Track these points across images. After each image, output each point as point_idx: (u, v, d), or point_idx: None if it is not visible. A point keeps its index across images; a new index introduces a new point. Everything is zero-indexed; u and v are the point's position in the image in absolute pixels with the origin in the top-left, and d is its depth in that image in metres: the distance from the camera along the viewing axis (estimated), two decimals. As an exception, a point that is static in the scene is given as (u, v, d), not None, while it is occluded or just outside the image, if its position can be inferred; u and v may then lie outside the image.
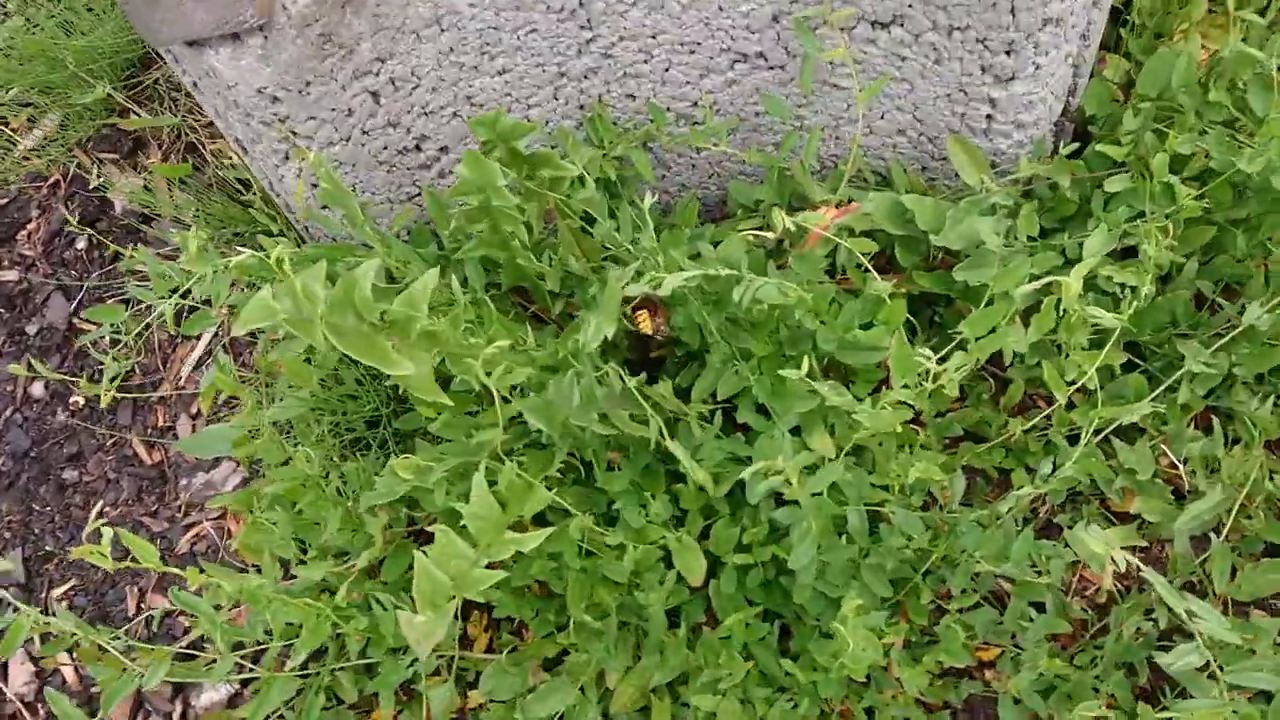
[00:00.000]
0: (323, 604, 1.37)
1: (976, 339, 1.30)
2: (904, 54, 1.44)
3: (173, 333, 1.98)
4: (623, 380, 1.19)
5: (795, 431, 1.39)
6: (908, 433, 1.42)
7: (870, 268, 1.45)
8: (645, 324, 1.31)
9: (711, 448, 1.33)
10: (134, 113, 2.06)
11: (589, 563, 1.35)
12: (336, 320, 1.09)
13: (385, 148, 1.52)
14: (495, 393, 1.17)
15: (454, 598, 1.14)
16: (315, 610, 1.36)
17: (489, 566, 1.15)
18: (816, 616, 1.37)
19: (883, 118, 1.57)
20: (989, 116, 1.49)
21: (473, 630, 1.57)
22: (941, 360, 1.28)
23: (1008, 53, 1.38)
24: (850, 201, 1.61)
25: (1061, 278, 1.26)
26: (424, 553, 1.19)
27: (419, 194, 1.60)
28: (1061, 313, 1.30)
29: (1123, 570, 1.33)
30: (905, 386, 1.28)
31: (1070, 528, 1.49)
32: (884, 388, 1.37)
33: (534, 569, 1.34)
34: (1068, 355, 1.29)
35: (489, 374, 1.16)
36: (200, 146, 2.05)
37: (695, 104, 1.59)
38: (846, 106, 1.56)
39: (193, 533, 1.85)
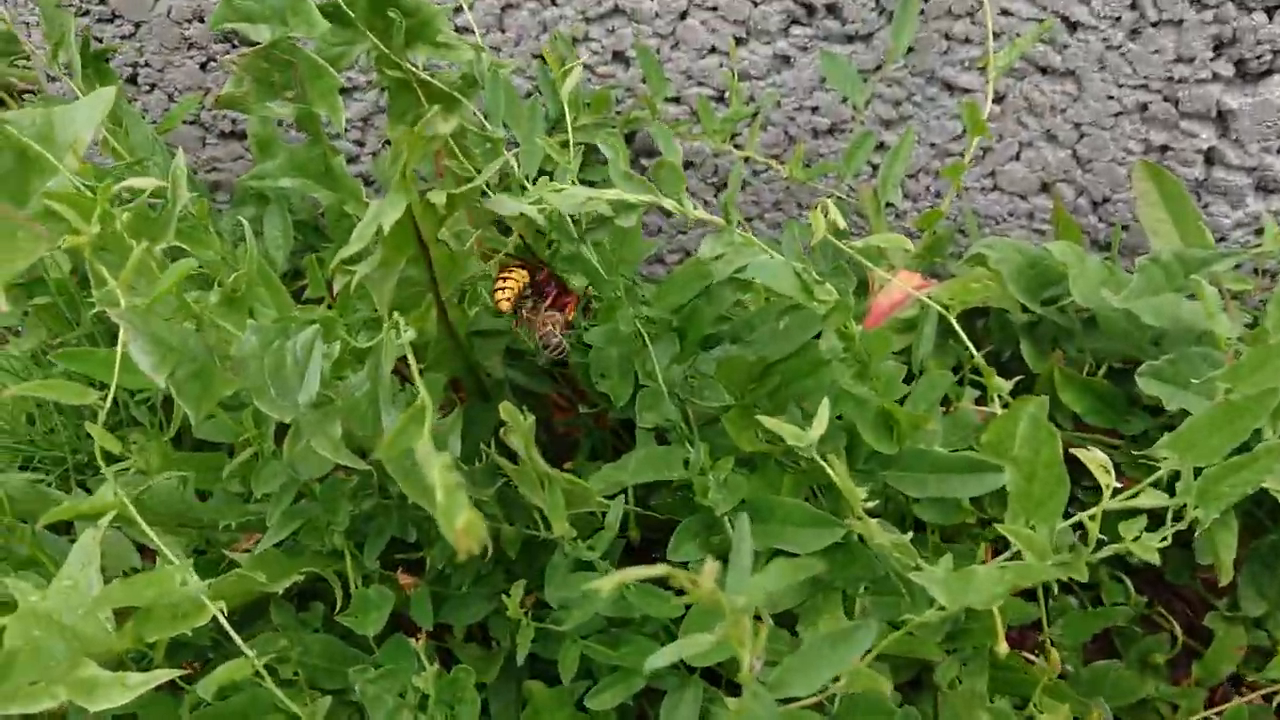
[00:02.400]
0: None
1: (1196, 473, 0.61)
2: (1075, 16, 0.85)
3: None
4: (407, 369, 0.52)
5: (785, 621, 0.68)
6: (1019, 665, 0.69)
7: (976, 355, 0.78)
8: (504, 297, 0.64)
9: (593, 600, 0.61)
10: None
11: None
12: None
13: (197, 15, 0.93)
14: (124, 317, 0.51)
15: None
16: None
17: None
18: None
19: (1018, 156, 0.95)
20: (1209, 155, 0.86)
21: None
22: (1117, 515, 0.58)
23: (1272, 11, 0.77)
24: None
25: None
26: None
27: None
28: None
29: None
30: (1031, 528, 0.58)
31: None
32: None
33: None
34: None
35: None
36: None
37: (722, 95, 1.00)
38: (963, 129, 0.96)
39: None
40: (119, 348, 0.54)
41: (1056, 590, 0.87)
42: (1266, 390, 0.58)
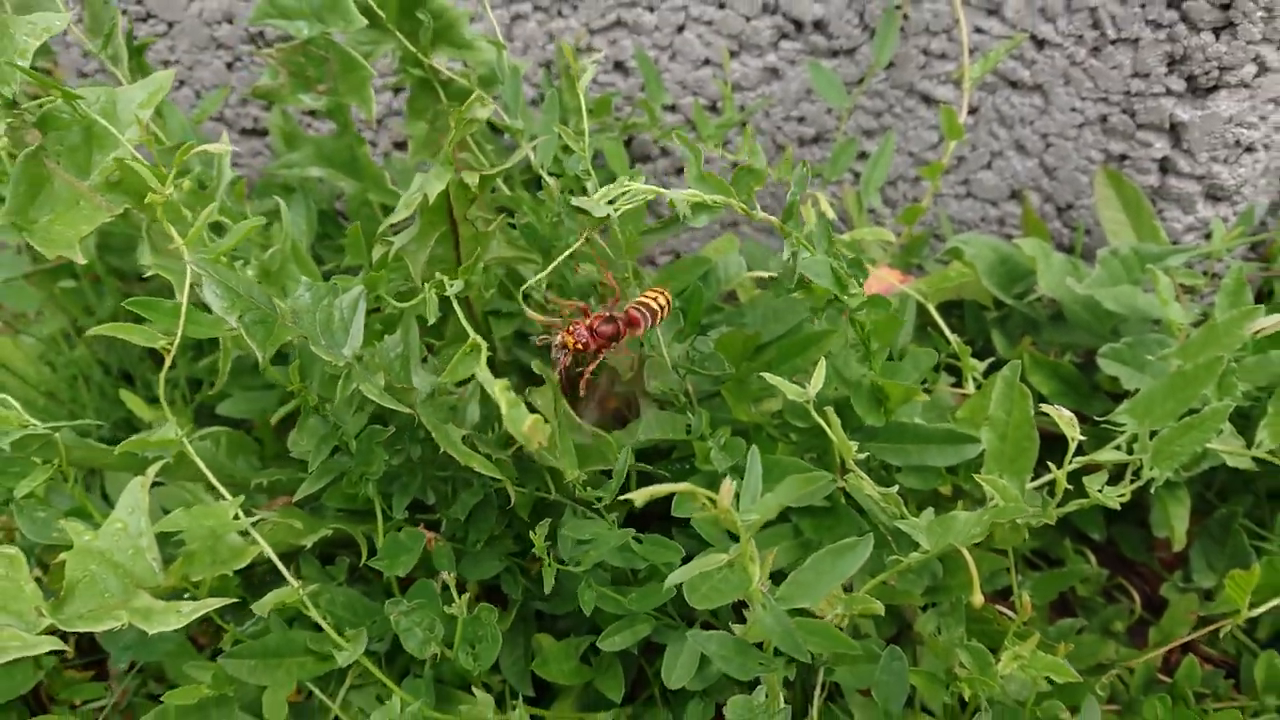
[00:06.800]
0: None
1: (1151, 435, 0.68)
2: (1041, 34, 0.92)
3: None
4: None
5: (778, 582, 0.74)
6: (993, 616, 0.75)
7: (954, 340, 0.85)
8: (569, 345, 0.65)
9: (605, 541, 0.67)
10: None
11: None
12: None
13: (227, 17, 0.99)
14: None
15: None
16: None
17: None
18: None
19: (990, 165, 1.03)
20: (1164, 163, 0.94)
21: None
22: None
23: (1219, 31, 0.85)
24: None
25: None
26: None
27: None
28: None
29: None
30: (1000, 479, 0.64)
31: None
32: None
33: None
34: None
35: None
36: None
37: (715, 105, 1.08)
38: (940, 138, 1.03)
39: None
40: (183, 299, 0.59)
41: (1026, 566, 0.94)
42: (1213, 359, 0.65)
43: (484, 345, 0.49)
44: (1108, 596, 0.95)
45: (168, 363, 0.57)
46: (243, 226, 0.57)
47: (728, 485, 0.48)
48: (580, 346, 0.66)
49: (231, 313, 0.53)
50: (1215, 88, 0.89)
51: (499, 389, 0.44)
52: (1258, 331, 0.69)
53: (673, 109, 1.08)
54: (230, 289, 0.53)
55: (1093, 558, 0.92)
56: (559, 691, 0.78)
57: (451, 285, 0.57)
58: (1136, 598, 0.91)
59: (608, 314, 0.69)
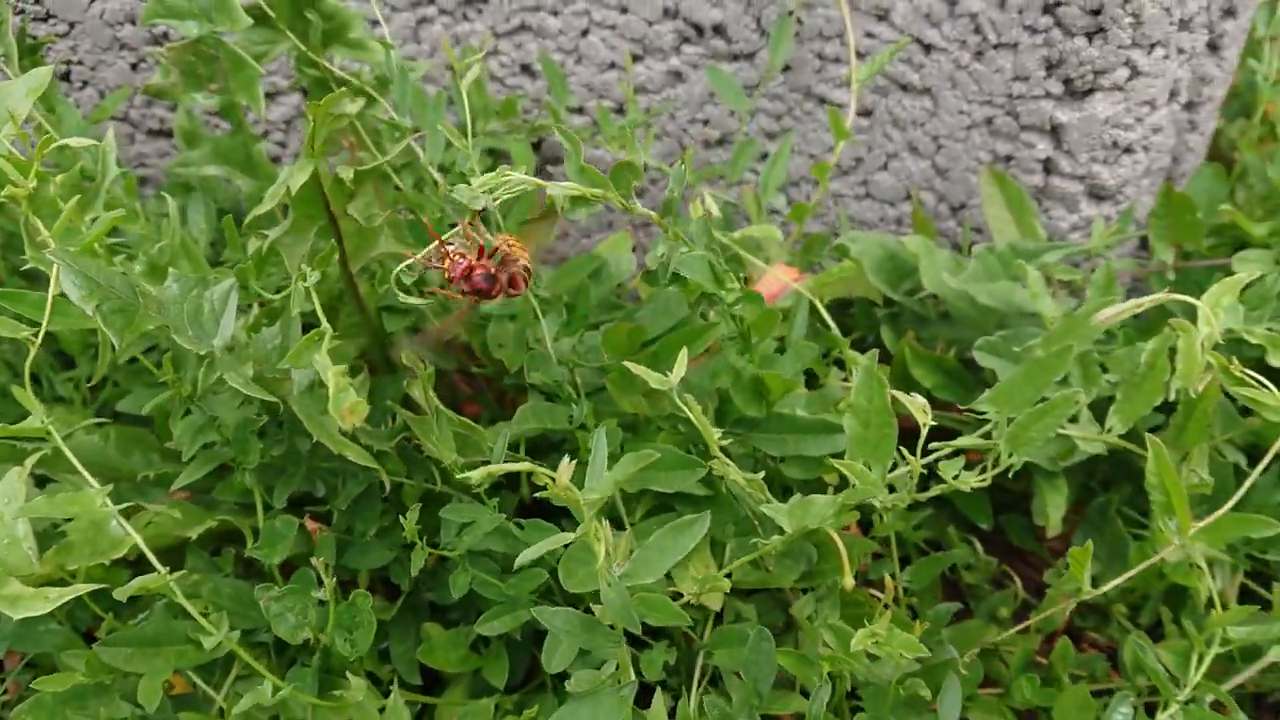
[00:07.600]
0: None
1: (1009, 422, 0.70)
2: (928, 39, 0.95)
3: None
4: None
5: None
6: (865, 599, 0.77)
7: (838, 336, 0.87)
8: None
9: (482, 525, 0.68)
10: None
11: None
12: None
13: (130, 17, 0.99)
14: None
15: None
16: None
17: None
18: None
19: (885, 166, 1.05)
20: (1047, 164, 0.97)
21: None
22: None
23: (1091, 36, 0.89)
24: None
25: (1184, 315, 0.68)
26: None
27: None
28: (1177, 395, 0.71)
29: None
30: (868, 467, 0.66)
31: None
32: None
33: None
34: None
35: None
36: None
37: (620, 109, 1.10)
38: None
39: None
40: (50, 291, 0.60)
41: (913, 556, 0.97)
42: (1064, 347, 0.68)
43: (328, 333, 0.50)
44: (997, 584, 0.97)
45: (32, 353, 0.58)
46: (108, 217, 0.58)
47: (565, 464, 0.50)
48: (449, 278, 0.61)
49: (89, 302, 0.54)
50: (1091, 90, 0.92)
51: (331, 374, 0.45)
52: (1112, 319, 0.72)
53: (580, 111, 1.10)
54: (89, 278, 0.54)
55: (979, 546, 0.94)
56: (449, 680, 0.79)
57: (311, 275, 0.58)
58: (1019, 583, 0.94)
59: (492, 270, 0.64)
